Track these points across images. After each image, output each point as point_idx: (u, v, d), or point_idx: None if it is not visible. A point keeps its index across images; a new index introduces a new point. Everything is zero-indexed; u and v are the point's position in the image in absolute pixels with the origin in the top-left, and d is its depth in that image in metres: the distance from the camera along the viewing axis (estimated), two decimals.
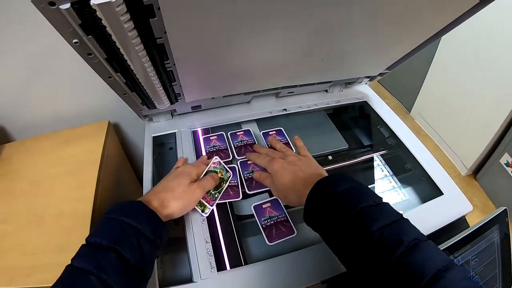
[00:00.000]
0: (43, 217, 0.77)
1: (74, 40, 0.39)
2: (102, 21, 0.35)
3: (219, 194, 0.64)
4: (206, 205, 0.61)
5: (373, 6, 0.50)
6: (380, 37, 0.64)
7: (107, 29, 0.37)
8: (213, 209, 0.62)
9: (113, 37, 0.38)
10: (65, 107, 1.04)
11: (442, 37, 2.00)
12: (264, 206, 0.62)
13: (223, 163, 0.69)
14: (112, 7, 0.33)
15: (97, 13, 0.33)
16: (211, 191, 0.63)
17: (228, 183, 0.66)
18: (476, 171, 2.00)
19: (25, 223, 0.76)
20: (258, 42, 0.53)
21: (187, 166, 0.64)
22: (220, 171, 0.67)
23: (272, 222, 0.59)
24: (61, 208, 0.78)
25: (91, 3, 0.32)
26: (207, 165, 0.67)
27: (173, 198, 0.55)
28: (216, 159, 0.68)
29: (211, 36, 0.46)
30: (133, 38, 0.39)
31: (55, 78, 0.93)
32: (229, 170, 0.68)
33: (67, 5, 0.32)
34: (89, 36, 0.38)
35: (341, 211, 0.44)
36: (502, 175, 1.75)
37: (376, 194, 0.46)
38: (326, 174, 0.58)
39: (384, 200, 0.46)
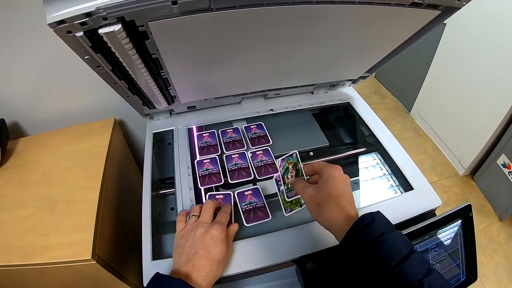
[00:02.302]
0: (56, 203, 0.84)
1: (86, 57, 0.48)
2: (108, 44, 0.45)
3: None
4: (297, 199, 0.63)
5: (342, 22, 0.58)
6: (353, 47, 0.72)
7: (112, 49, 0.46)
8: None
9: (117, 54, 0.48)
10: (74, 105, 1.11)
11: (441, 39, 2.06)
12: (246, 193, 0.71)
13: (285, 157, 0.64)
14: (115, 34, 0.42)
15: (104, 38, 0.43)
16: (289, 185, 0.63)
17: (301, 163, 0.64)
18: (474, 172, 2.04)
19: (39, 208, 0.83)
20: (241, 56, 0.62)
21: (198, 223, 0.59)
22: (289, 162, 0.63)
23: (251, 207, 0.69)
24: (71, 195, 0.86)
25: (99, 32, 0.42)
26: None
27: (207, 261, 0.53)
28: (278, 161, 0.64)
29: (195, 52, 0.56)
30: (132, 55, 0.49)
31: (66, 78, 1.01)
32: (292, 153, 0.64)
33: (81, 33, 0.42)
34: (98, 54, 0.48)
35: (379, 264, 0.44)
36: (498, 175, 1.79)
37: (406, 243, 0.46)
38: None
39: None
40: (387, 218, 0.49)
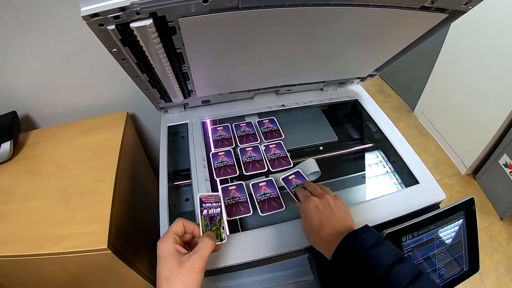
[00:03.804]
0: (69, 194, 0.85)
1: (114, 49, 0.50)
2: (137, 37, 0.47)
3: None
4: (217, 232, 0.56)
5: (356, 23, 0.61)
6: (364, 47, 0.75)
7: (140, 42, 0.48)
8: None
9: (144, 48, 0.50)
10: (85, 99, 1.13)
11: (446, 39, 2.06)
12: (260, 184, 0.73)
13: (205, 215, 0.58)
14: (146, 28, 0.45)
15: (134, 32, 0.45)
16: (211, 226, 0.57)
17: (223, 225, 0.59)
18: (476, 171, 2.05)
19: (53, 199, 0.84)
20: (260, 53, 0.65)
21: (160, 244, 0.50)
22: (213, 225, 0.57)
23: (266, 198, 0.71)
24: (85, 187, 0.87)
25: (131, 26, 0.44)
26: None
27: None
28: (202, 213, 0.57)
29: (218, 48, 0.58)
30: (159, 49, 0.51)
31: (79, 72, 1.02)
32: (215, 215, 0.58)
33: (113, 26, 0.44)
34: (126, 47, 0.50)
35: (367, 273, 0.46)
36: (500, 175, 1.80)
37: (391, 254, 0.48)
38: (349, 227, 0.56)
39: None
40: (374, 232, 0.52)
